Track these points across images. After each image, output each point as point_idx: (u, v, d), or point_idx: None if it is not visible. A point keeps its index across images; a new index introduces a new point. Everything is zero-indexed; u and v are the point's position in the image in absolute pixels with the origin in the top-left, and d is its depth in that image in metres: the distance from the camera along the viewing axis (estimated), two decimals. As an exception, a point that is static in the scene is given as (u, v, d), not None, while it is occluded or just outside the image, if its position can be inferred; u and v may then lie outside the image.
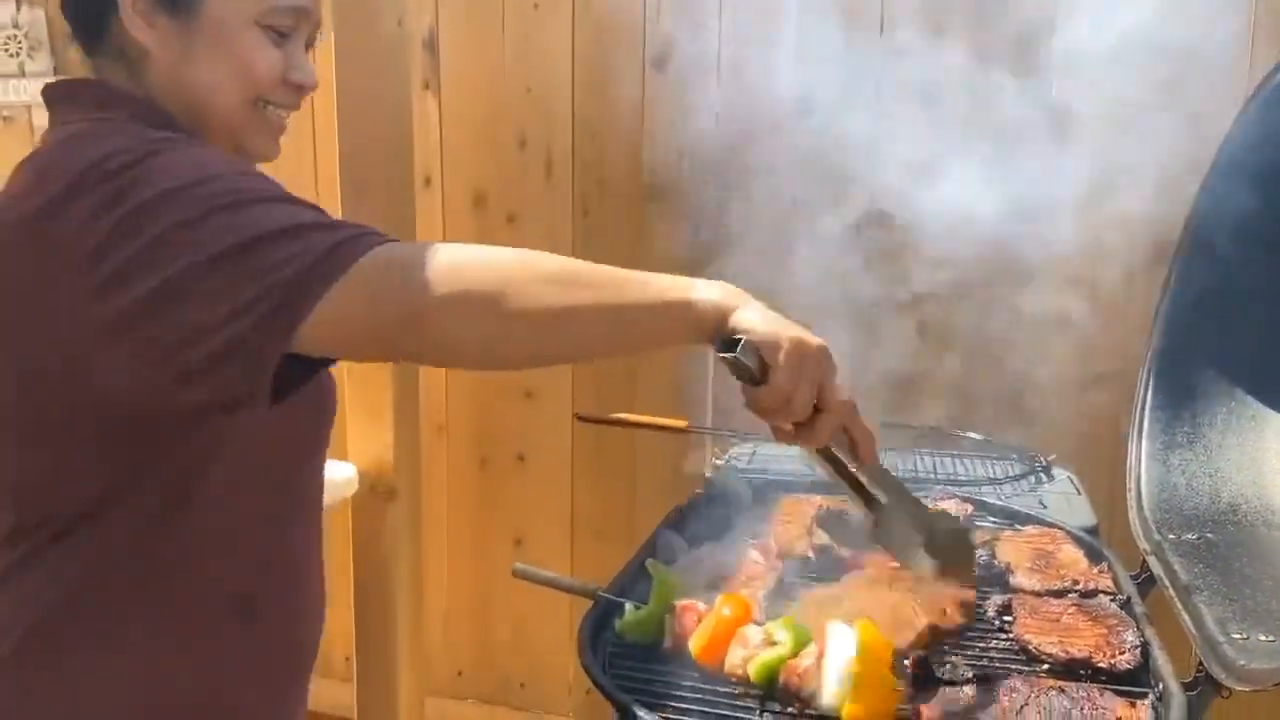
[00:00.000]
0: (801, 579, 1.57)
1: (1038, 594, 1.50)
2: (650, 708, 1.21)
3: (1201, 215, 1.73)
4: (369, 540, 2.54)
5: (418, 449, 2.59)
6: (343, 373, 1.90)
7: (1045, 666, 1.32)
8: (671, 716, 1.21)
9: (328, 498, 1.38)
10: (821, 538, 1.65)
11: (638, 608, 1.39)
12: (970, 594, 1.49)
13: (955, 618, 1.41)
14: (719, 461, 2.24)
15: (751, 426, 2.41)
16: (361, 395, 2.47)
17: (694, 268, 2.49)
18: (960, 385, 2.45)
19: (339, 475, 2.44)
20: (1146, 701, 1.19)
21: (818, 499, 1.84)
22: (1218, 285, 1.71)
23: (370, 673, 2.60)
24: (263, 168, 1.26)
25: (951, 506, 1.80)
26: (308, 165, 2.80)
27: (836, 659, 1.23)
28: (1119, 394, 1.91)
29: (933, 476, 2.07)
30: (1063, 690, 1.21)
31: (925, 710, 1.18)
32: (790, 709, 1.23)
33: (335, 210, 2.40)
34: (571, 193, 2.78)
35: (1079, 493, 2.01)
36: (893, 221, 2.46)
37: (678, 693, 1.28)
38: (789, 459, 2.18)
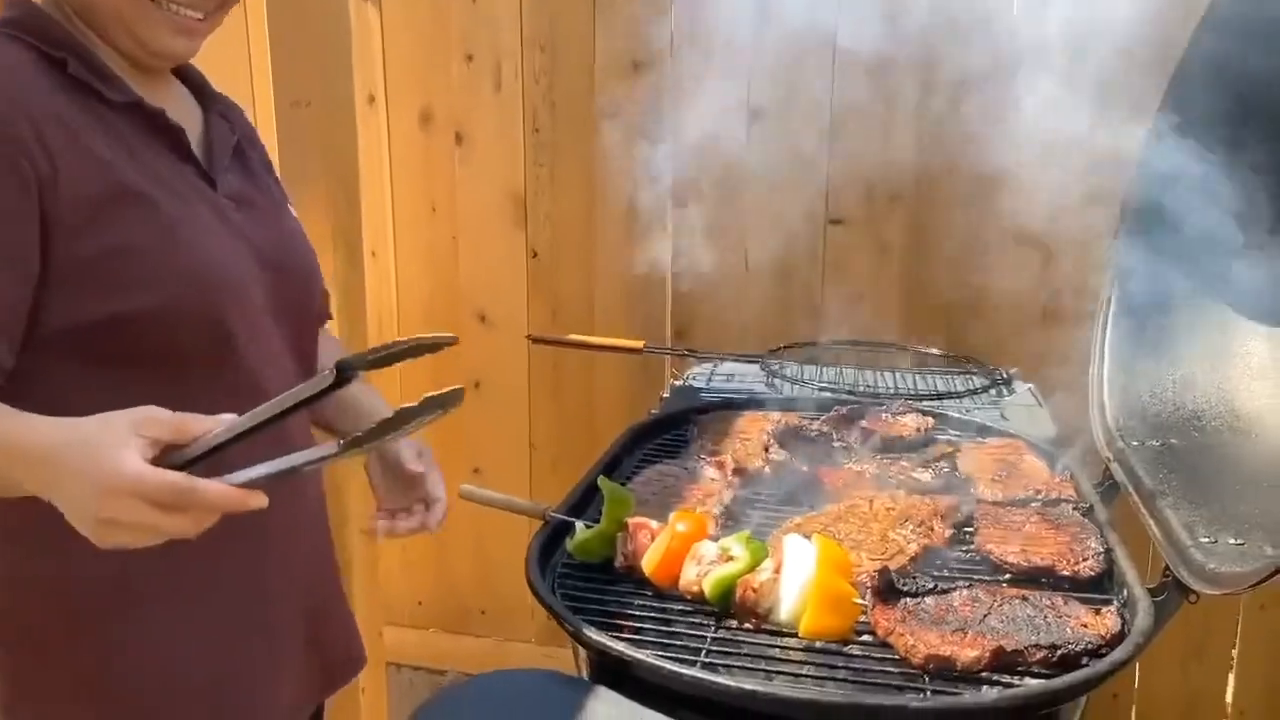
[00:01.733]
0: (775, 506, 1.52)
1: (1000, 504, 1.47)
2: (602, 628, 1.16)
3: (1162, 127, 1.68)
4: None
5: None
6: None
7: (1008, 576, 1.29)
8: (624, 636, 1.16)
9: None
10: (779, 454, 1.61)
11: (589, 526, 1.35)
12: (951, 501, 1.45)
13: (943, 533, 1.38)
14: (676, 382, 2.18)
15: (708, 346, 2.38)
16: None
17: (649, 183, 2.46)
18: (921, 298, 2.41)
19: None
20: (1112, 608, 1.16)
21: (776, 415, 1.79)
22: (1181, 194, 1.67)
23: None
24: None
25: (912, 420, 1.77)
26: (243, 82, 2.66)
27: (795, 573, 1.19)
28: (1083, 304, 1.87)
29: (894, 390, 2.03)
30: (1025, 599, 1.17)
31: (884, 622, 1.14)
32: (746, 624, 1.19)
33: (272, 131, 2.29)
34: (521, 109, 2.68)
35: (1040, 405, 1.98)
36: (858, 134, 2.40)
37: (630, 612, 1.24)
38: (746, 378, 2.14)
